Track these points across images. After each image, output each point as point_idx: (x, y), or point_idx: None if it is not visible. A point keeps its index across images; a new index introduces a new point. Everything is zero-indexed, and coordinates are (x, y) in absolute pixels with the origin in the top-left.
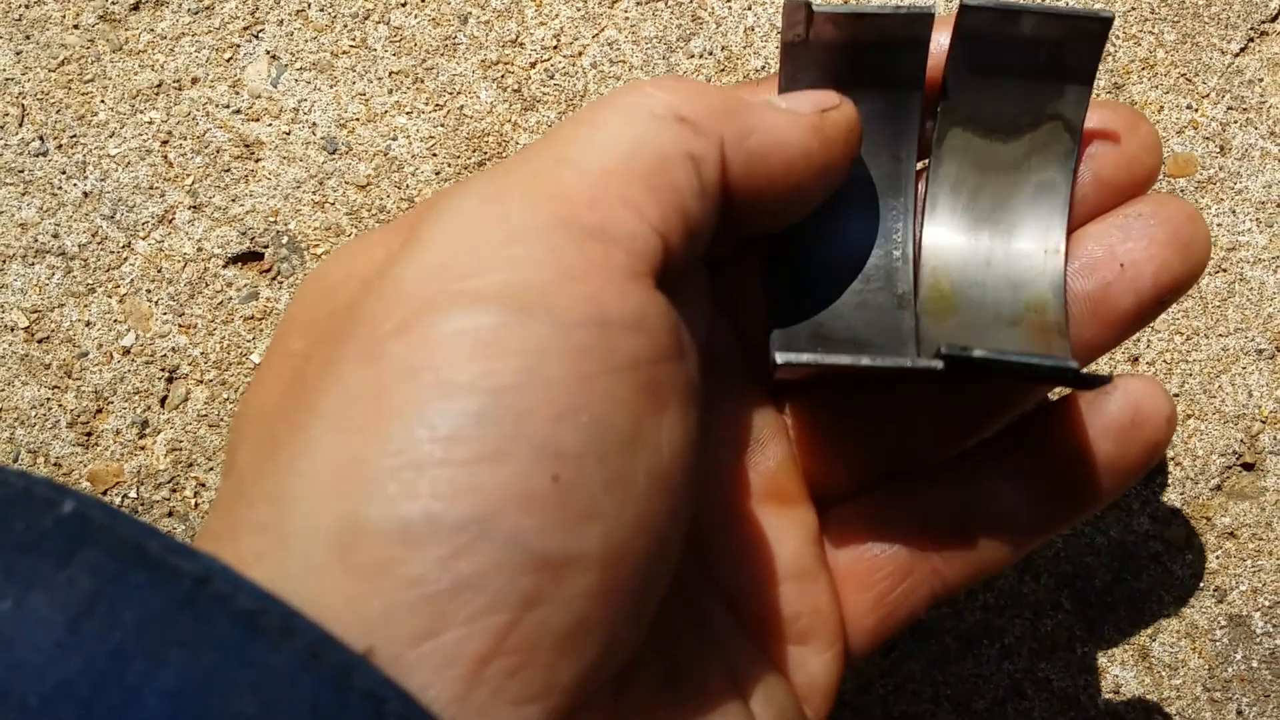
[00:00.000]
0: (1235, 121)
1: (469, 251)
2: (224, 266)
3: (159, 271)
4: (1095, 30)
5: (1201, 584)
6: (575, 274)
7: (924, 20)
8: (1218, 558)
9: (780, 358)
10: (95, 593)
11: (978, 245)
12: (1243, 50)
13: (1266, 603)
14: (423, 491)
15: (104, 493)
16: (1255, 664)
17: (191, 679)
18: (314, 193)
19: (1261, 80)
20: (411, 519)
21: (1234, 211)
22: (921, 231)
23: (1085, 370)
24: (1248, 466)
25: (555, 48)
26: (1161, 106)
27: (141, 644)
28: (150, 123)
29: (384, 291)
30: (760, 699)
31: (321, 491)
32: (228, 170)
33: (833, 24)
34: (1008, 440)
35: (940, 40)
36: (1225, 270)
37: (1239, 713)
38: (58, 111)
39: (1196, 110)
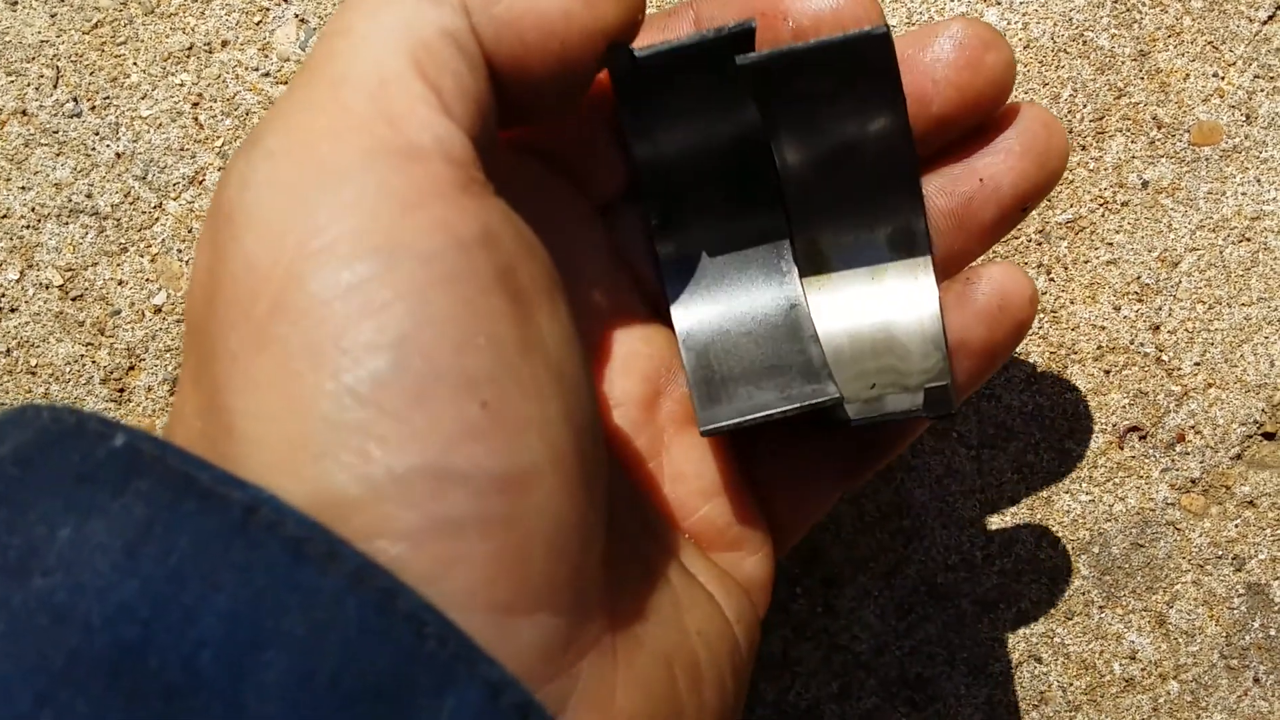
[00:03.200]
0: (1262, 90)
1: (299, 209)
2: None
3: (190, 232)
4: (878, 42)
5: (1220, 552)
6: (413, 203)
7: (744, 39)
8: (1237, 526)
9: (704, 428)
10: (150, 520)
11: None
12: (1271, 18)
13: None
14: (374, 452)
15: None
16: (1273, 632)
17: (245, 601)
18: None
19: None
20: (376, 478)
21: (1259, 180)
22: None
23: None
24: (1269, 436)
25: None
26: (1187, 74)
27: (196, 567)
28: (181, 85)
29: (236, 272)
30: (719, 592)
31: (280, 480)
32: None
33: (661, 63)
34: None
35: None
36: (1249, 239)
37: (1256, 680)
38: (91, 74)
39: (1223, 78)
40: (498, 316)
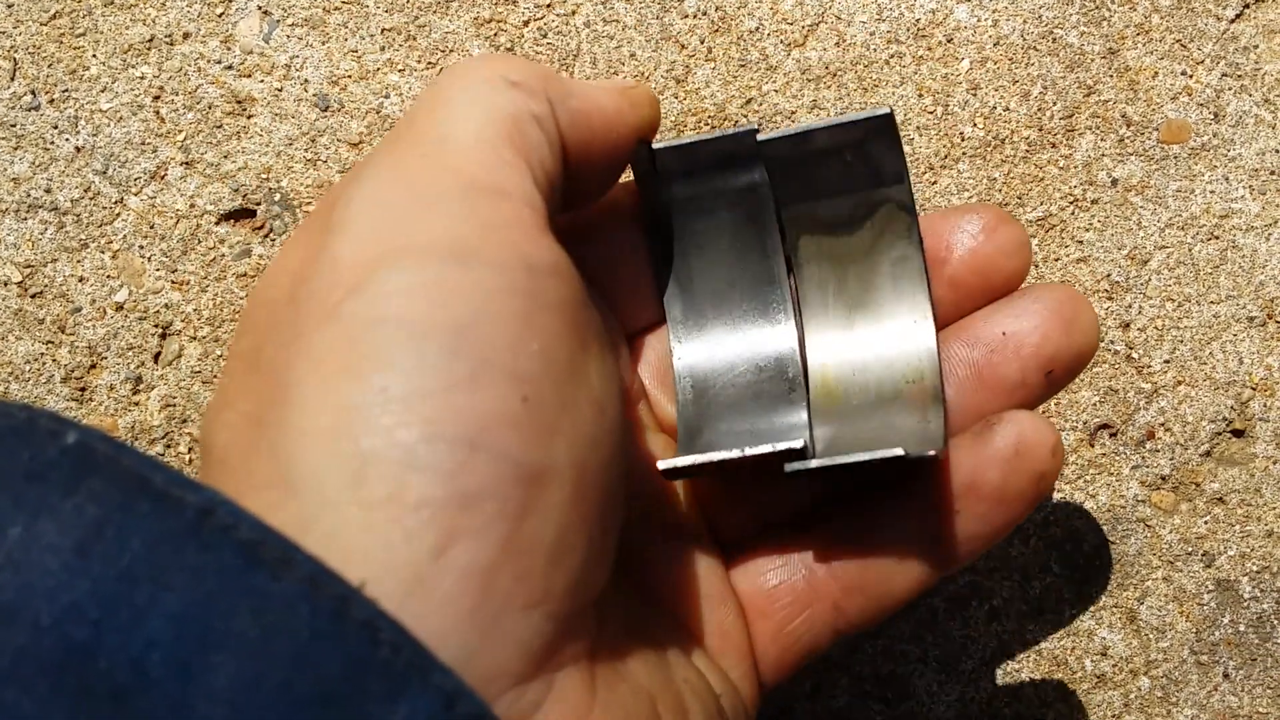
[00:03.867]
0: (1229, 88)
1: (393, 220)
2: (216, 223)
3: (151, 228)
4: (881, 125)
5: (1190, 549)
6: (495, 226)
7: (748, 137)
8: (1206, 523)
9: (662, 465)
10: (102, 520)
11: (852, 332)
12: (1238, 16)
13: (1254, 568)
14: (414, 419)
15: None
16: (1242, 628)
17: (195, 603)
18: (306, 150)
19: (1257, 47)
20: (411, 443)
21: (1227, 179)
22: (802, 329)
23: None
24: (1237, 433)
25: (549, 6)
26: (1156, 72)
27: (148, 569)
28: (142, 78)
29: (322, 269)
30: (702, 664)
31: (320, 438)
32: (220, 127)
33: (673, 156)
34: (902, 476)
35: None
36: (1218, 238)
37: (1226, 675)
38: (49, 66)
39: (1191, 76)
40: (552, 335)
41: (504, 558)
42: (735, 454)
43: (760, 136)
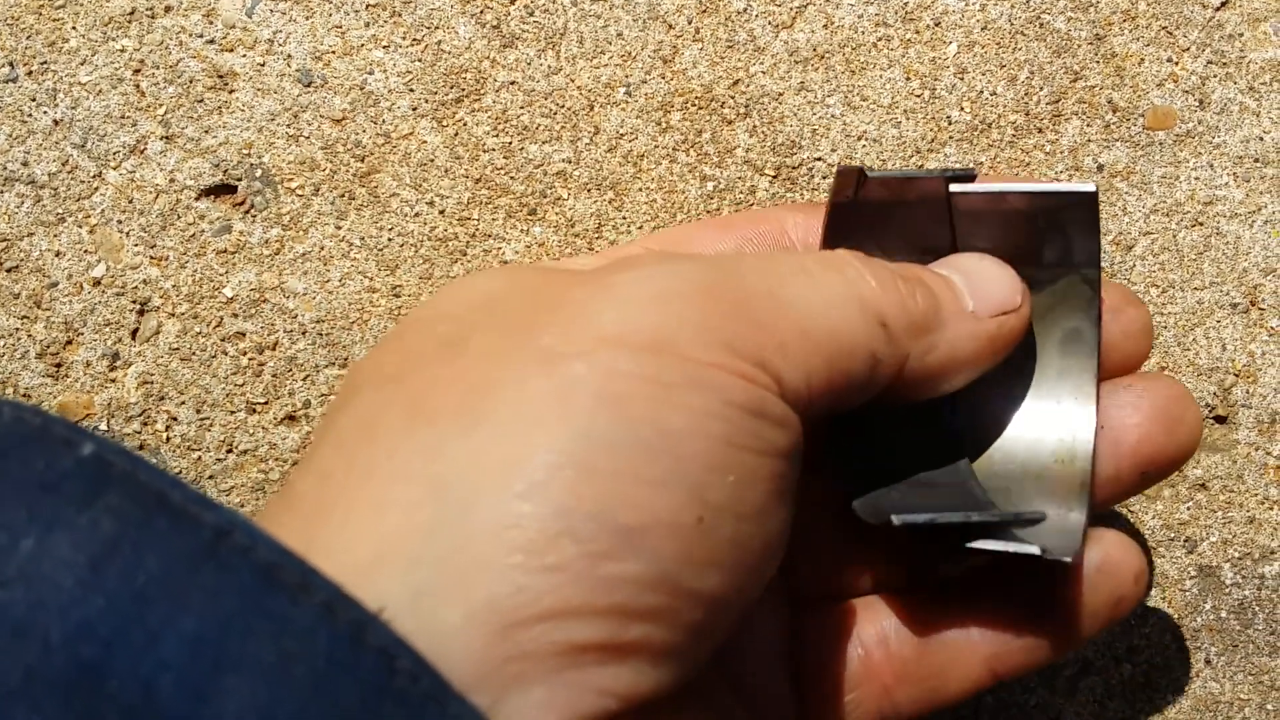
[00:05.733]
0: (1215, 76)
1: (659, 317)
2: (196, 199)
3: (130, 202)
4: (1085, 200)
5: (1172, 534)
6: (747, 375)
7: (964, 180)
8: (1189, 509)
9: (897, 519)
10: (118, 536)
11: (1010, 398)
12: (1224, 4)
13: (1236, 554)
14: (589, 491)
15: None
16: (1224, 614)
17: (212, 625)
18: (288, 126)
19: (1242, 35)
20: (572, 512)
21: (1211, 166)
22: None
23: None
24: (1220, 419)
25: None
26: (1142, 59)
27: (164, 588)
28: (122, 51)
29: (572, 316)
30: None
31: (484, 474)
32: (201, 101)
33: (883, 186)
34: (978, 575)
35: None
36: (1202, 224)
37: (1208, 662)
38: (28, 37)
39: (1176, 64)
40: (753, 476)
41: (609, 645)
42: (973, 518)
43: (954, 188)
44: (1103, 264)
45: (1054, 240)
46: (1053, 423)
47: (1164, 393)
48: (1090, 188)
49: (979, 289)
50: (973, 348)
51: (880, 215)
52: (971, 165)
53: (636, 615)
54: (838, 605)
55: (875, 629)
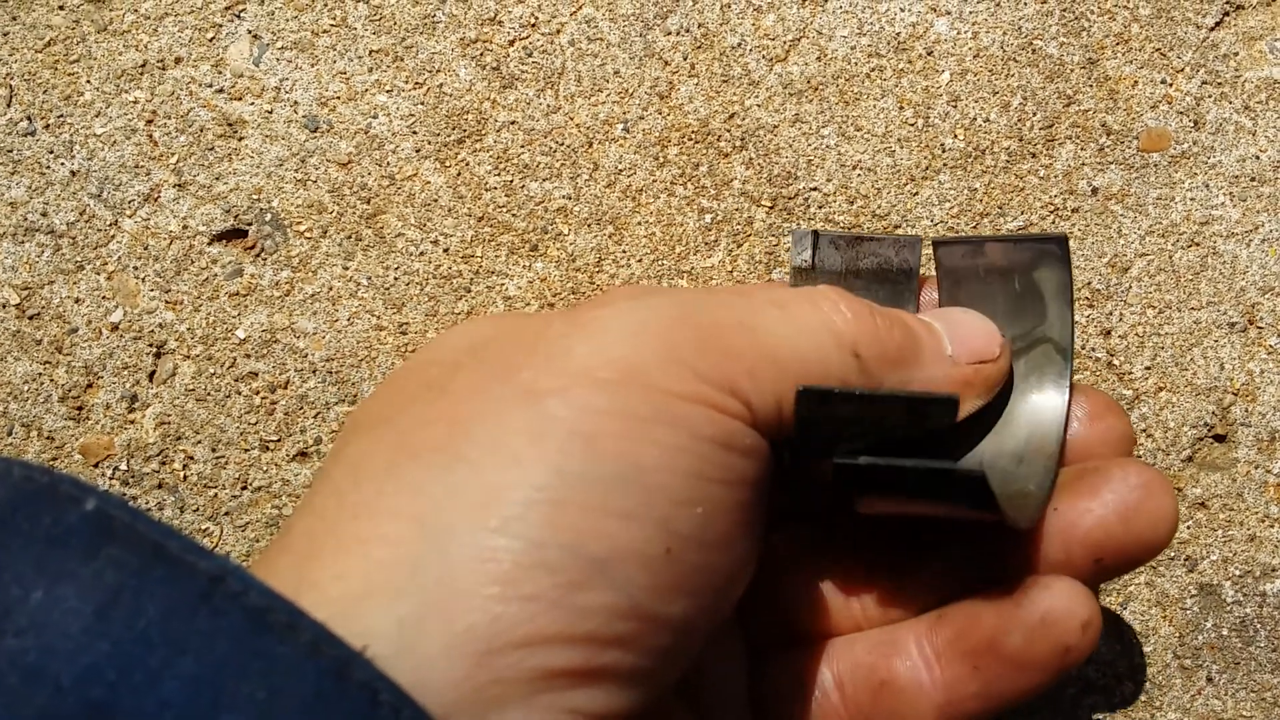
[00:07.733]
0: (1209, 96)
1: (631, 349)
2: (209, 244)
3: (145, 249)
4: (1054, 251)
5: (1173, 553)
6: (717, 405)
7: (913, 244)
8: (1189, 528)
9: (838, 460)
10: (120, 586)
11: (974, 454)
12: (1218, 25)
13: (1237, 572)
14: (562, 524)
15: (95, 465)
16: (1225, 632)
17: (208, 666)
18: (296, 170)
19: (1236, 54)
20: (546, 545)
21: (1207, 186)
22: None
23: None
24: (1219, 438)
25: (533, 25)
26: (1136, 81)
27: (164, 633)
28: (135, 102)
29: (549, 353)
30: None
31: (464, 509)
32: (211, 149)
33: (835, 249)
34: (930, 617)
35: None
36: (1198, 244)
37: (1209, 680)
38: (45, 92)
39: (1171, 85)
40: (720, 507)
41: (583, 671)
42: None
43: (937, 237)
44: (1076, 337)
45: (1029, 304)
46: (1012, 486)
47: (1128, 480)
48: (1060, 234)
49: (959, 336)
50: (948, 389)
51: (844, 282)
52: (919, 235)
53: (607, 642)
54: (797, 649)
55: (833, 672)
